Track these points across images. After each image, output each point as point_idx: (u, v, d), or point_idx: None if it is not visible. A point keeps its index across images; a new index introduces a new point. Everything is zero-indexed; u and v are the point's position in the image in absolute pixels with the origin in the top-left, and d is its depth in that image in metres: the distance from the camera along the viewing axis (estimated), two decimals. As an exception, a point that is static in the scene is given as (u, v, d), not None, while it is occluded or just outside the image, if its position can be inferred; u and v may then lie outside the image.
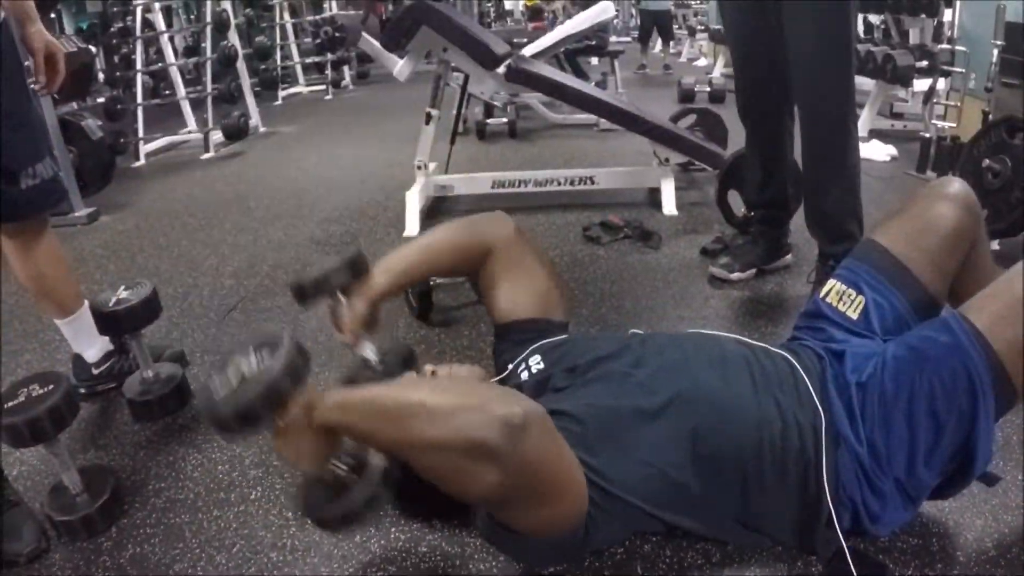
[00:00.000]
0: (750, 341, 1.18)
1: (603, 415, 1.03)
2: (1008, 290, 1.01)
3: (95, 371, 1.63)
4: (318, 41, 4.43)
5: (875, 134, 3.56)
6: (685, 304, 1.95)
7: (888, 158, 3.25)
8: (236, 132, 4.00)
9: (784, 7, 1.66)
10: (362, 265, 1.24)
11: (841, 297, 1.21)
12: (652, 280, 2.11)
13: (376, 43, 2.41)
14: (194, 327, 1.94)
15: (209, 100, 4.18)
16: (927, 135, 2.97)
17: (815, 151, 1.75)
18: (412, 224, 2.54)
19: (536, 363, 1.20)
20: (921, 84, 3.29)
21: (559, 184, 2.71)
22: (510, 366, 1.25)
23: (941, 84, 3.14)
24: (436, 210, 2.75)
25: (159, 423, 1.51)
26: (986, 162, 2.15)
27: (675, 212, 2.63)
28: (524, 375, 1.19)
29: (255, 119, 4.53)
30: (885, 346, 1.10)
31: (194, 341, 1.86)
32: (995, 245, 2.18)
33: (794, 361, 1.11)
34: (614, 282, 2.10)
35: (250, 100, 4.63)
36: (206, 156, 4.00)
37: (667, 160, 2.64)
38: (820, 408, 1.04)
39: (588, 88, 2.53)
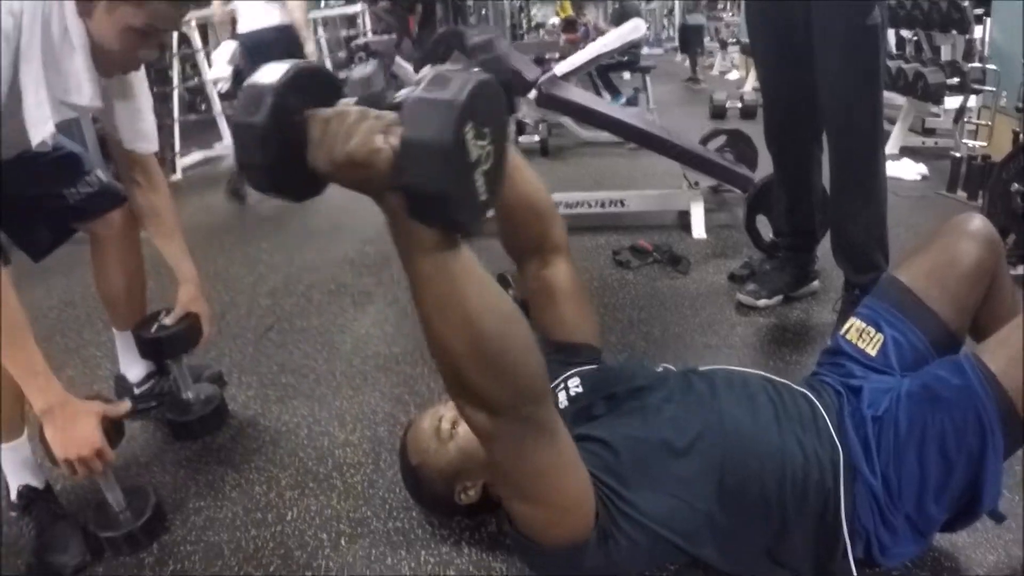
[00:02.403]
0: (773, 378, 1.23)
1: (637, 447, 1.09)
2: (1021, 332, 1.05)
3: (136, 391, 1.74)
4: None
5: (906, 152, 3.56)
6: (712, 331, 2.00)
7: (919, 177, 3.24)
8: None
9: (814, 34, 1.71)
10: None
11: (861, 334, 1.26)
12: (680, 306, 2.17)
13: (409, 67, 2.51)
14: (231, 346, 2.05)
15: None
16: (957, 155, 2.97)
17: (843, 179, 1.79)
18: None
19: (575, 386, 1.26)
20: (953, 102, 3.29)
21: (590, 206, 2.78)
22: (553, 384, 1.28)
23: (972, 102, 3.14)
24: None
25: (198, 443, 1.61)
26: (1015, 186, 2.16)
27: (704, 235, 2.68)
28: (562, 396, 1.25)
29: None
30: (901, 381, 1.14)
31: (231, 361, 1.97)
32: (1020, 270, 2.19)
33: (814, 399, 1.16)
34: (643, 308, 2.16)
35: None
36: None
37: (696, 183, 2.69)
38: (838, 443, 1.08)
39: (617, 112, 2.60)
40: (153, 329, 1.56)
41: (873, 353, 1.23)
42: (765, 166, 2.84)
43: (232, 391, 1.81)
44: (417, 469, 1.19)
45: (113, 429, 1.23)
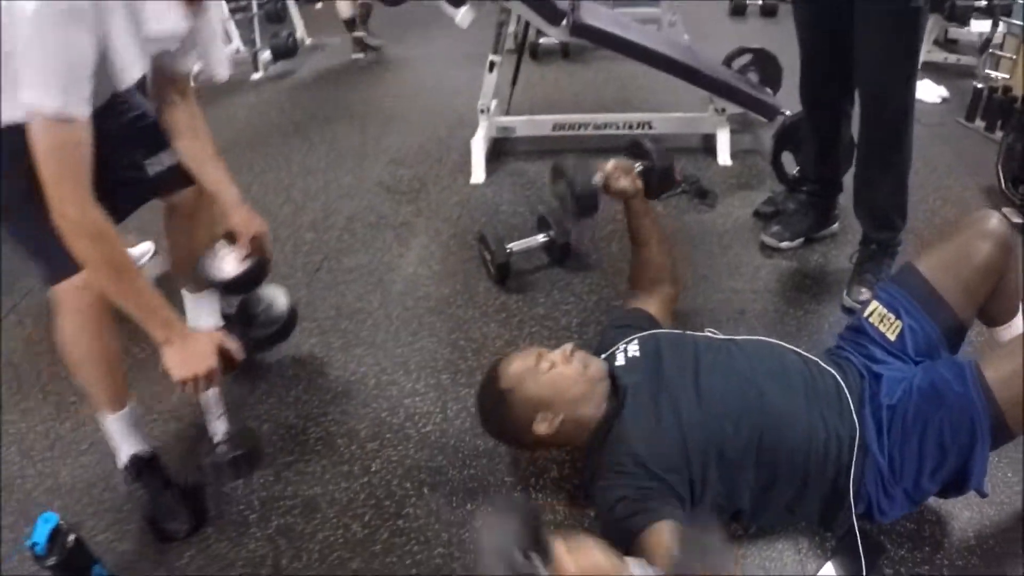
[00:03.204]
0: (806, 355, 1.43)
1: (694, 434, 1.29)
2: (1018, 354, 1.24)
3: None
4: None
5: (928, 69, 3.53)
6: (739, 273, 2.17)
7: (939, 100, 3.27)
8: (285, 51, 4.05)
9: (856, 8, 1.74)
10: None
11: (882, 319, 1.44)
12: (708, 243, 2.33)
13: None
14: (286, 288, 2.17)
15: (256, 19, 4.20)
16: (979, 85, 2.99)
17: (871, 149, 1.89)
18: (478, 172, 2.72)
19: (634, 349, 1.48)
20: (979, 25, 3.24)
21: (617, 128, 2.83)
22: (615, 346, 1.52)
23: (999, 31, 3.10)
24: (498, 151, 2.90)
25: (275, 396, 1.78)
26: None
27: (729, 162, 2.78)
28: (621, 358, 1.47)
29: (300, 31, 4.52)
30: (914, 372, 1.35)
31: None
32: None
33: (840, 380, 1.36)
34: (673, 245, 2.31)
35: (295, 14, 4.58)
36: (256, 76, 4.06)
37: (723, 110, 2.74)
38: (856, 422, 1.31)
39: (651, 41, 2.58)
40: (231, 263, 1.62)
41: (892, 338, 1.42)
42: (788, 86, 2.90)
43: (296, 338, 1.94)
44: (508, 392, 1.36)
45: (226, 361, 1.36)
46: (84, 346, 1.43)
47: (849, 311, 1.97)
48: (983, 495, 1.34)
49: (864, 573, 1.30)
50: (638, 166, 1.85)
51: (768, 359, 1.43)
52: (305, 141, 3.24)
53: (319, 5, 5.37)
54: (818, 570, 1.34)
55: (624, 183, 1.78)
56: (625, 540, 1.19)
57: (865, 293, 1.96)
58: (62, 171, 1.17)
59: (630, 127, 2.83)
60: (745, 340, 1.50)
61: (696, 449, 1.28)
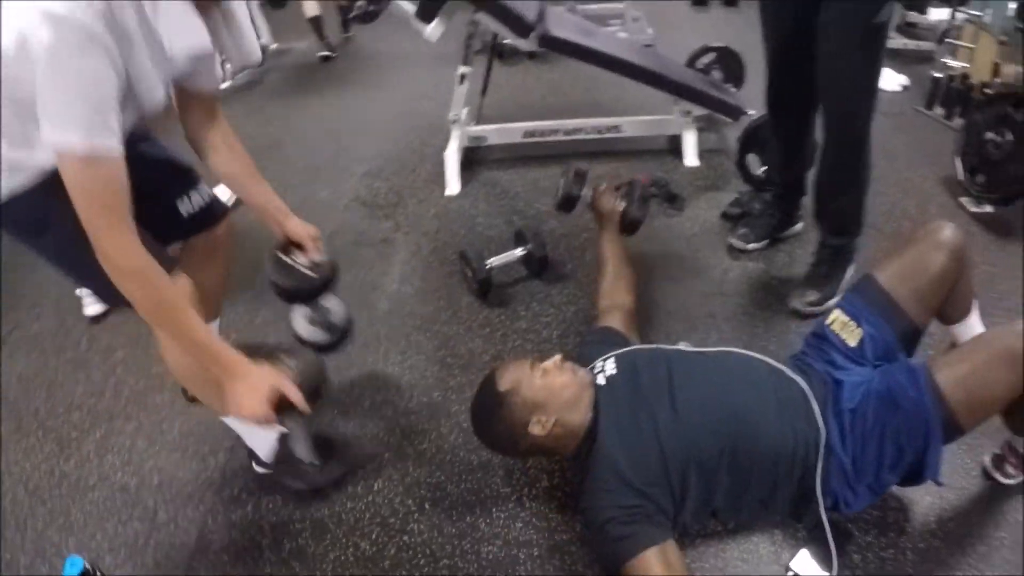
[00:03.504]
0: (774, 364, 1.55)
1: (674, 444, 1.42)
2: (967, 358, 1.39)
3: None
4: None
5: (888, 56, 3.66)
6: (707, 277, 2.30)
7: (899, 88, 3.42)
8: (252, 60, 4.05)
9: (819, 23, 1.81)
10: None
11: (844, 327, 1.57)
12: (677, 248, 2.44)
13: (409, 6, 2.51)
14: (271, 311, 2.20)
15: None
16: (938, 75, 3.14)
17: (832, 161, 1.98)
18: (453, 183, 2.80)
19: (611, 367, 1.58)
20: (938, 13, 3.37)
21: (587, 133, 2.93)
22: (592, 363, 1.62)
23: (957, 18, 3.24)
24: (471, 160, 2.97)
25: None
26: (989, 134, 2.40)
27: (696, 163, 2.89)
28: (600, 377, 1.57)
29: (265, 37, 4.49)
30: (873, 376, 1.48)
31: (275, 328, 2.16)
32: (987, 208, 2.50)
33: (806, 387, 1.49)
34: (644, 252, 2.41)
35: (260, 21, 4.52)
36: (223, 86, 4.06)
37: (689, 112, 2.85)
38: (822, 426, 1.43)
39: (619, 50, 2.67)
40: (307, 270, 1.70)
41: (853, 344, 1.55)
42: (753, 83, 3.01)
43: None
44: (506, 395, 1.46)
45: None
46: (185, 365, 1.47)
47: (797, 314, 2.09)
48: (939, 484, 1.48)
49: (834, 560, 1.44)
50: (621, 204, 2.02)
51: (738, 370, 1.55)
52: (279, 155, 3.28)
53: (285, 6, 5.33)
54: (791, 559, 1.48)
55: (604, 208, 2.00)
56: (613, 565, 1.33)
57: (813, 295, 2.09)
58: (98, 211, 1.15)
59: (599, 132, 2.93)
60: (716, 352, 1.63)
61: (675, 459, 1.39)
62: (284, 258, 1.71)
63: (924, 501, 1.58)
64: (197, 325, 1.29)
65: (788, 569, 1.47)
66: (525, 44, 2.52)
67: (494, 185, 2.85)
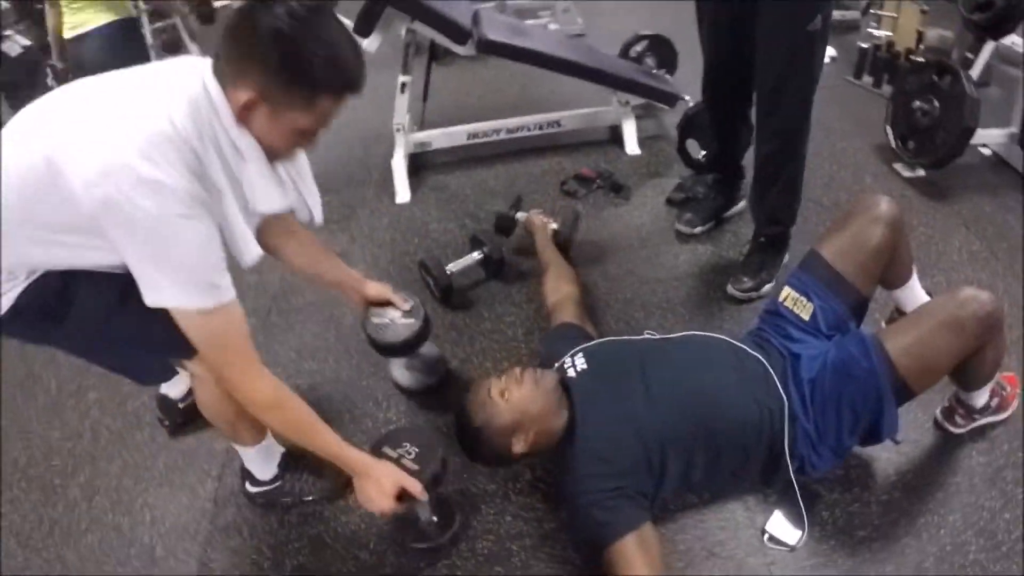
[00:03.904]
0: (734, 343, 1.67)
1: (650, 428, 1.52)
2: (915, 327, 1.53)
3: (181, 405, 1.89)
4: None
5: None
6: (659, 263, 2.41)
7: (828, 59, 3.58)
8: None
9: (757, 29, 1.89)
10: None
11: (796, 302, 1.70)
12: (627, 238, 2.55)
13: (345, 22, 2.53)
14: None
15: (152, 51, 4.03)
16: (864, 45, 3.31)
17: (767, 160, 2.09)
18: (403, 191, 2.84)
19: (581, 363, 1.67)
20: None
21: (529, 130, 3.01)
22: (559, 363, 1.69)
23: None
24: (417, 165, 3.00)
25: None
26: (917, 103, 2.57)
27: (638, 151, 3.01)
28: (571, 372, 1.65)
29: (196, 56, 4.37)
30: (827, 347, 1.61)
31: None
32: (919, 172, 2.68)
33: (765, 362, 1.61)
34: (595, 243, 2.52)
35: (187, 38, 4.46)
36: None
37: (627, 102, 2.96)
38: (784, 397, 1.56)
39: (553, 47, 2.75)
40: (403, 323, 1.77)
41: (806, 318, 1.68)
42: (684, 69, 3.14)
43: None
44: (481, 429, 1.53)
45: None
46: (213, 408, 1.53)
47: (733, 299, 2.23)
48: (896, 443, 1.64)
49: (804, 518, 1.57)
50: (553, 225, 2.32)
51: (703, 351, 1.67)
52: None
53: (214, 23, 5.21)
54: (766, 522, 1.61)
55: (536, 224, 2.39)
56: (596, 549, 1.43)
57: (747, 283, 2.21)
58: (229, 358, 1.23)
59: (540, 128, 3.01)
60: (680, 337, 1.73)
61: (653, 442, 1.49)
62: (378, 319, 1.78)
63: (883, 457, 1.73)
64: (330, 438, 1.39)
65: (764, 531, 1.60)
66: (462, 50, 2.59)
67: (443, 189, 2.90)
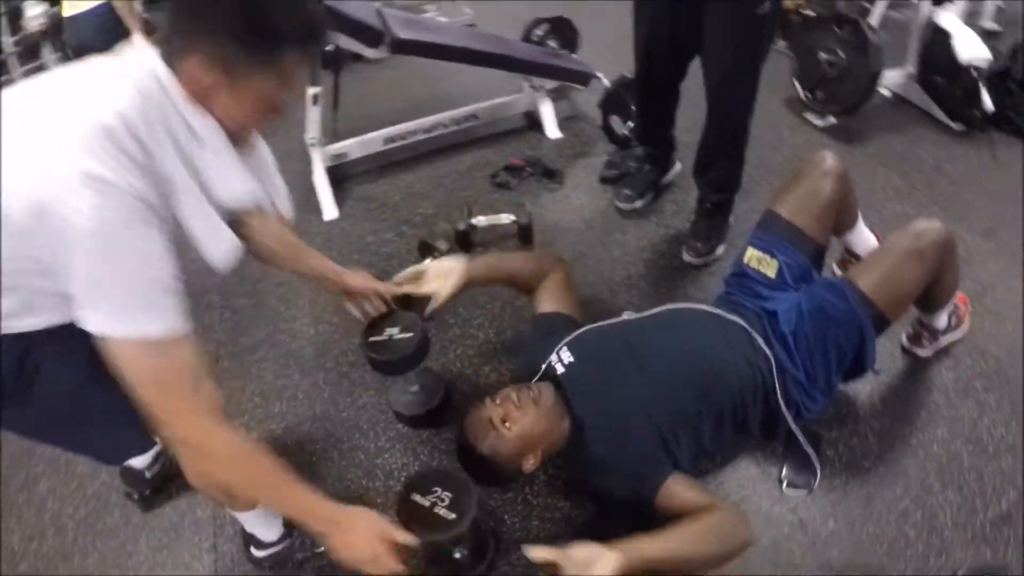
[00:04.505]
0: (713, 311, 1.73)
1: (654, 407, 1.55)
2: (880, 264, 1.65)
3: (148, 474, 1.74)
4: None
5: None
6: (611, 242, 2.45)
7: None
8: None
9: (708, 15, 1.94)
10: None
11: (760, 262, 1.78)
12: (571, 222, 2.57)
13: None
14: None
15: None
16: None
17: (714, 136, 2.17)
18: (329, 208, 2.72)
19: (567, 355, 1.67)
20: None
21: (446, 127, 2.96)
22: (546, 361, 1.68)
23: None
24: (338, 178, 2.87)
25: None
26: (822, 55, 2.74)
27: (559, 134, 3.03)
28: (559, 367, 1.66)
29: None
30: (799, 297, 1.70)
31: None
32: (831, 120, 2.86)
33: (746, 325, 1.67)
34: (540, 231, 2.52)
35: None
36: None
37: (541, 87, 2.97)
38: (769, 354, 1.63)
39: (464, 40, 2.72)
40: (401, 337, 1.69)
41: (772, 276, 1.77)
42: (585, 49, 3.19)
43: None
44: (488, 459, 1.51)
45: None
46: (207, 478, 1.39)
47: (690, 266, 2.31)
48: (876, 373, 1.76)
49: (814, 458, 1.67)
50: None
51: (685, 322, 1.72)
52: None
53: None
54: (780, 472, 1.69)
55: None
56: (647, 499, 1.47)
57: (700, 247, 2.30)
58: (170, 402, 1.03)
59: (457, 123, 2.97)
60: (659, 312, 1.77)
61: (661, 419, 1.53)
62: (375, 337, 1.71)
63: (865, 390, 1.85)
64: (301, 494, 1.19)
65: (780, 481, 1.68)
66: (373, 53, 2.51)
67: (371, 199, 2.81)
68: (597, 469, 1.55)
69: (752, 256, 1.79)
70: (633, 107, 2.75)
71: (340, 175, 2.90)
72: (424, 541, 1.34)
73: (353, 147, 2.87)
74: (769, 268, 1.77)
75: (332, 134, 2.87)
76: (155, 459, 1.76)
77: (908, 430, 1.77)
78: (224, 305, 2.39)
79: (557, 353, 1.68)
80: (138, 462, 1.74)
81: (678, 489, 1.47)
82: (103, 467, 1.83)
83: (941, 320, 1.87)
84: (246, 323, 2.32)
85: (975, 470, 1.68)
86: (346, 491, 1.77)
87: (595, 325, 1.75)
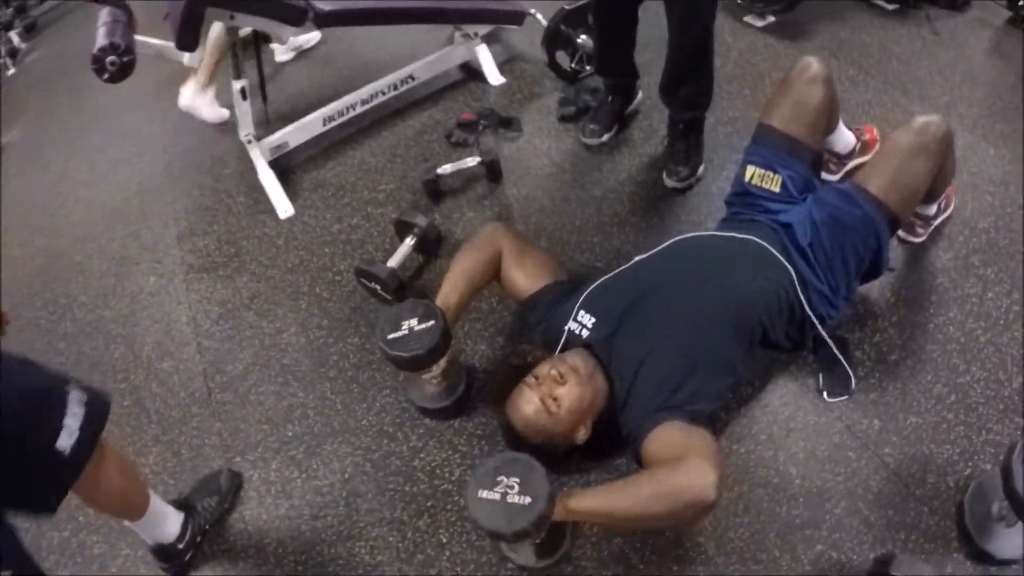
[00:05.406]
0: (722, 233, 1.76)
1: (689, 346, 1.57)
2: (886, 164, 1.68)
3: (180, 545, 1.67)
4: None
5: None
6: (588, 182, 2.43)
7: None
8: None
9: None
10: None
11: (763, 178, 1.80)
12: (541, 169, 2.53)
13: (156, 42, 2.19)
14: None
15: None
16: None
17: (680, 57, 2.13)
18: (282, 203, 2.59)
19: (586, 318, 1.67)
20: None
21: (384, 94, 2.83)
22: (566, 328, 1.68)
23: None
24: (283, 171, 2.71)
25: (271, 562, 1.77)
26: None
27: (502, 79, 2.93)
28: (584, 333, 1.66)
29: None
30: (808, 207, 1.73)
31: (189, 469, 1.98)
32: (771, 18, 2.87)
33: (762, 242, 1.70)
34: (515, 183, 2.48)
35: None
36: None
37: (476, 34, 2.86)
38: (790, 268, 1.66)
39: (397, 1, 2.56)
40: (420, 329, 1.63)
41: (777, 190, 1.79)
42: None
43: (249, 472, 1.85)
44: (545, 443, 1.54)
45: None
46: (109, 496, 1.45)
47: (675, 191, 2.31)
48: (891, 271, 1.82)
49: (846, 364, 1.73)
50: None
51: (698, 252, 1.74)
52: (77, 262, 2.71)
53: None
54: (818, 383, 1.75)
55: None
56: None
57: (683, 170, 2.29)
58: None
59: (395, 87, 2.84)
60: (669, 247, 1.77)
61: (699, 358, 1.56)
62: (394, 334, 1.64)
63: (875, 287, 1.92)
64: None
65: (820, 391, 1.74)
66: (295, 32, 2.35)
67: (325, 186, 2.68)
68: (644, 433, 1.54)
69: (754, 173, 1.80)
70: (579, 40, 2.70)
71: (285, 167, 2.75)
72: (512, 536, 1.34)
73: (292, 135, 2.71)
74: (773, 183, 1.78)
75: (267, 126, 2.72)
76: (184, 527, 1.68)
77: (923, 317, 1.85)
78: (197, 335, 2.27)
79: (575, 319, 1.67)
80: (167, 535, 1.65)
81: (655, 447, 1.46)
82: (120, 547, 1.77)
83: (934, 207, 1.94)
84: (228, 348, 2.20)
85: (992, 344, 1.78)
86: (389, 503, 1.74)
87: (607, 277, 1.74)
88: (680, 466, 1.33)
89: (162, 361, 2.22)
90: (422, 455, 1.81)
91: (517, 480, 1.39)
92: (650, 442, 1.45)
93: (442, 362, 1.71)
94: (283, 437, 1.93)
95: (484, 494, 1.38)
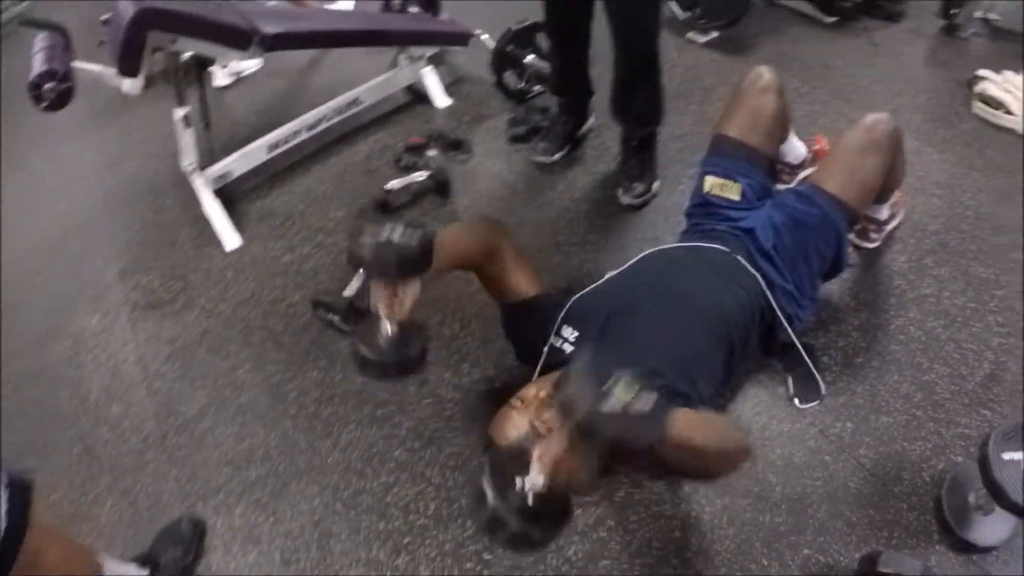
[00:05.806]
0: (690, 245, 1.78)
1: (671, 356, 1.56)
2: (840, 163, 1.74)
3: None
4: None
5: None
6: (546, 204, 2.43)
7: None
8: None
9: None
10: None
11: (722, 188, 1.83)
12: (495, 190, 2.52)
13: (95, 68, 2.10)
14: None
15: None
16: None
17: (627, 75, 2.16)
18: (229, 235, 2.50)
19: (569, 333, 1.66)
20: None
21: (329, 119, 2.78)
22: (549, 345, 1.65)
23: None
24: (228, 200, 2.62)
25: None
26: None
27: (449, 100, 2.93)
28: (567, 348, 1.64)
29: None
30: (768, 212, 1.77)
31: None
32: (715, 33, 2.95)
33: (728, 250, 1.73)
34: (468, 207, 2.47)
35: None
36: None
37: (421, 56, 2.85)
38: (756, 274, 1.69)
39: (340, 24, 2.54)
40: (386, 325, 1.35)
41: (737, 198, 1.82)
42: (456, 6, 3.08)
43: (213, 519, 1.76)
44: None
45: None
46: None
47: (631, 207, 2.33)
48: (849, 266, 1.88)
49: (812, 368, 1.76)
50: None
51: (671, 265, 1.75)
52: (13, 304, 2.60)
53: None
54: (788, 391, 1.78)
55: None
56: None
57: (638, 187, 2.31)
58: None
59: (340, 112, 2.80)
60: (640, 261, 1.79)
61: (678, 368, 1.54)
62: (372, 237, 1.32)
63: (834, 291, 1.97)
64: None
65: (792, 398, 1.77)
66: (246, 56, 2.29)
67: (273, 215, 2.61)
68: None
69: (713, 184, 1.83)
70: (526, 60, 2.72)
71: (230, 197, 2.66)
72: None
73: (236, 163, 2.64)
74: (732, 192, 1.82)
75: (209, 155, 2.63)
76: None
77: (884, 319, 1.91)
78: (148, 377, 2.17)
79: (558, 333, 1.66)
80: None
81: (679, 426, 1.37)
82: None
83: (885, 211, 2.00)
84: (179, 388, 2.10)
85: (952, 341, 1.84)
86: (364, 543, 1.67)
87: (584, 292, 1.73)
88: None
89: (111, 405, 2.11)
90: (395, 490, 1.76)
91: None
92: (672, 424, 1.30)
93: (415, 290, 1.38)
94: (246, 480, 1.85)
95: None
